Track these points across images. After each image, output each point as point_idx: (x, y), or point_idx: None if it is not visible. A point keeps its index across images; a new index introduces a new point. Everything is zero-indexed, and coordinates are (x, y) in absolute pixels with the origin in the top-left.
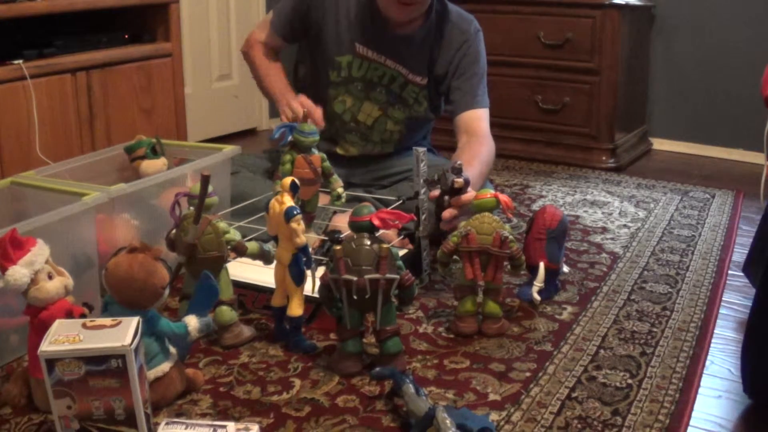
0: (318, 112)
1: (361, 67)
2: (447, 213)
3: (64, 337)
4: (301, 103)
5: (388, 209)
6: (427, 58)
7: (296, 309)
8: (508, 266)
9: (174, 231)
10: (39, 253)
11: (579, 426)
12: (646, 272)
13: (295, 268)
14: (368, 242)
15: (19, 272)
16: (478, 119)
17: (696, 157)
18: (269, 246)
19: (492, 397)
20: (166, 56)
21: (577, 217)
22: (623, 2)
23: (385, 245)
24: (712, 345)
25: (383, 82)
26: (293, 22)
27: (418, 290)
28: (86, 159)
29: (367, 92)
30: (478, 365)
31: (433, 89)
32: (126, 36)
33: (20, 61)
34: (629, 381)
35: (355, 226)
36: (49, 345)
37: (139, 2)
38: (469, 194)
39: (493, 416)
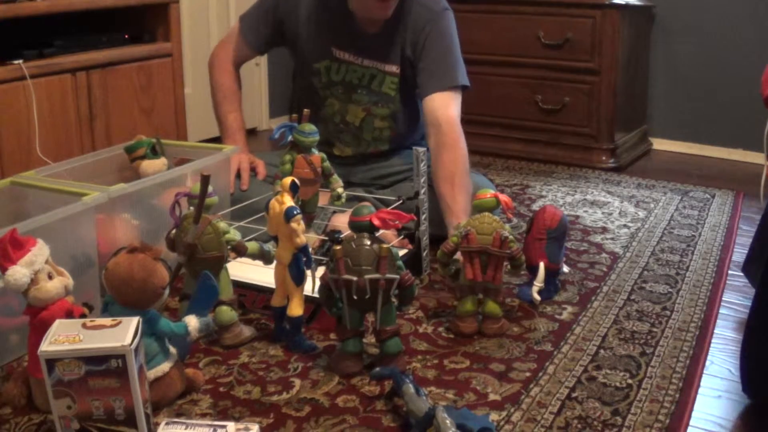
0: (246, 174)
1: (339, 71)
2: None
3: (64, 337)
4: (239, 161)
5: (388, 209)
6: (399, 45)
7: (296, 309)
8: (508, 266)
9: (174, 231)
10: (39, 253)
11: (579, 426)
12: (646, 272)
13: (295, 268)
14: (368, 242)
15: (19, 272)
16: (443, 106)
17: (696, 157)
18: (269, 246)
19: (492, 397)
20: (166, 56)
21: (577, 217)
22: (623, 2)
23: (385, 245)
24: (712, 345)
25: (363, 83)
26: (266, 34)
27: (418, 290)
28: (86, 159)
29: (349, 95)
30: (478, 365)
31: (410, 77)
32: (126, 36)
33: (20, 61)
34: (629, 381)
35: (355, 226)
36: (49, 345)
37: (139, 2)
38: None
39: (493, 416)
